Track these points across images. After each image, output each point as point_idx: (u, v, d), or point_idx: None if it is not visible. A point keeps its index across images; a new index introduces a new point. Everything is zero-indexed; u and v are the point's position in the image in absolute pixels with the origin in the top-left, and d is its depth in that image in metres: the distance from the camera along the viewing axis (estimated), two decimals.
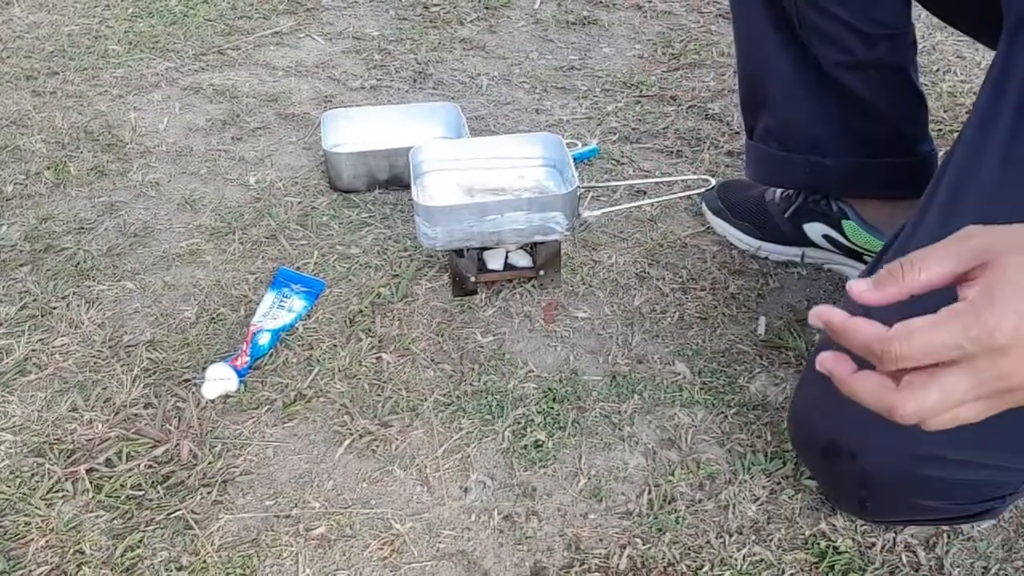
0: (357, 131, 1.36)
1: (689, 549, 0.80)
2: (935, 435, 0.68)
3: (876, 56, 0.95)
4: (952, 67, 1.65)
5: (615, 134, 1.45)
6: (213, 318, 1.07)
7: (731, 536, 0.81)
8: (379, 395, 0.96)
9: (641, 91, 1.58)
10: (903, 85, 1.00)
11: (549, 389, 0.96)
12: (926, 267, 0.48)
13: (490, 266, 1.09)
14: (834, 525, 0.82)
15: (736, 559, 0.79)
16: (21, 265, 1.16)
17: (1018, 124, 0.67)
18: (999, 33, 0.70)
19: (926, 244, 0.71)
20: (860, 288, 0.49)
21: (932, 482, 0.71)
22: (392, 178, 1.30)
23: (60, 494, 0.85)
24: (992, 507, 0.75)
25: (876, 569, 0.78)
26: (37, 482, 0.86)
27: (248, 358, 0.98)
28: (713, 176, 1.32)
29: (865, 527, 0.82)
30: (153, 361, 1.00)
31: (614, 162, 1.38)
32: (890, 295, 0.48)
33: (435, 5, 1.94)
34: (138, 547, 0.80)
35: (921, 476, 0.70)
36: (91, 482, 0.86)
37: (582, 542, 0.81)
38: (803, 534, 0.81)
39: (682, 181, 1.33)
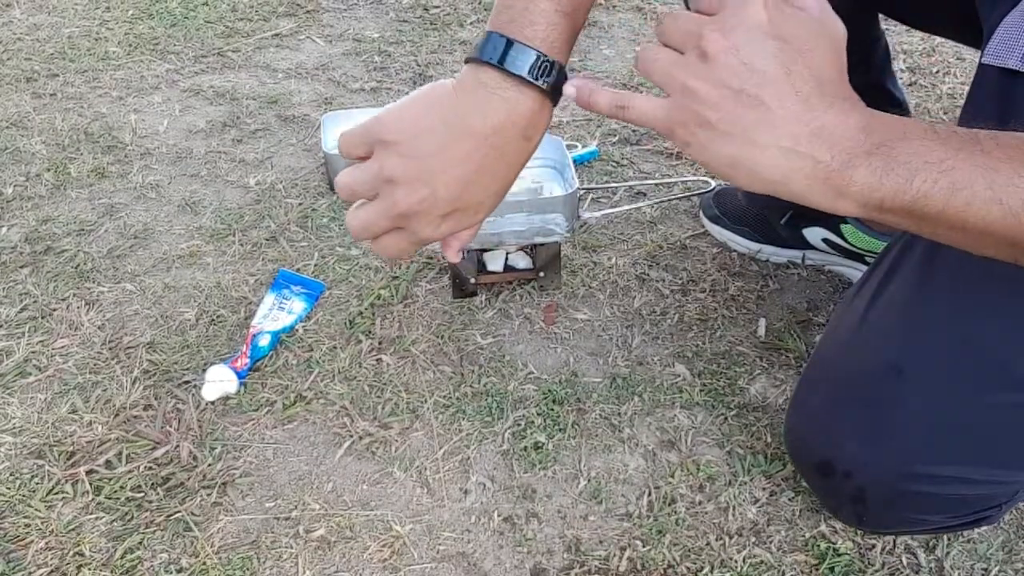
0: None
1: (689, 551, 0.80)
2: (926, 454, 0.69)
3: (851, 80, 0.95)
4: (952, 68, 1.66)
5: (615, 136, 1.45)
6: (213, 320, 1.07)
7: (731, 538, 0.81)
8: (379, 397, 0.96)
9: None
10: (882, 100, 0.99)
11: (549, 391, 0.96)
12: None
13: (490, 268, 1.09)
14: (834, 527, 0.82)
15: (736, 561, 0.79)
16: (21, 267, 1.16)
17: None
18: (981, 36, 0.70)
19: (926, 251, 0.71)
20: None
21: (926, 498, 0.71)
22: None
23: (60, 496, 0.85)
24: (989, 515, 0.75)
25: (876, 571, 0.78)
26: (37, 484, 0.86)
27: (248, 360, 0.98)
28: (712, 178, 1.32)
29: None
30: (153, 363, 1.00)
31: (614, 164, 1.38)
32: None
33: (435, 7, 1.94)
34: (138, 549, 0.80)
35: (915, 492, 0.70)
36: (91, 484, 0.86)
37: (582, 544, 0.81)
38: (803, 536, 0.81)
39: (682, 183, 1.33)
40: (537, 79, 0.60)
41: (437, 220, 0.61)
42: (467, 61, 0.61)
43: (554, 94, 0.62)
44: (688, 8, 0.56)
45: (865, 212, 0.53)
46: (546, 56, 0.60)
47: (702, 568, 0.79)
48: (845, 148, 0.51)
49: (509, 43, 0.59)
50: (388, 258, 0.64)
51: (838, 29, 0.53)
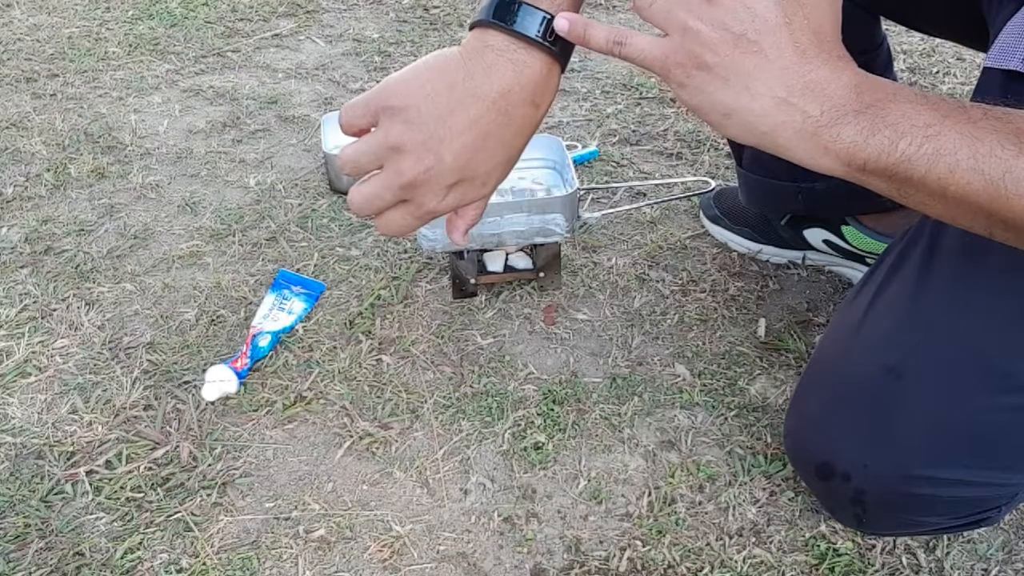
0: None
1: (689, 551, 0.80)
2: (925, 456, 0.69)
3: None
4: (952, 69, 1.66)
5: (615, 136, 1.45)
6: (213, 320, 1.07)
7: (731, 538, 0.81)
8: (379, 397, 0.96)
9: (641, 93, 1.58)
10: None
11: (549, 391, 0.96)
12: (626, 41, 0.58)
13: (490, 268, 1.09)
14: (834, 527, 0.82)
15: (736, 561, 0.79)
16: (21, 267, 1.16)
17: None
18: (985, 39, 0.70)
19: (925, 254, 0.71)
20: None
21: (926, 500, 0.71)
22: None
23: (60, 496, 0.85)
24: (988, 516, 0.75)
25: (876, 571, 0.78)
26: (37, 484, 0.86)
27: (248, 360, 0.98)
28: (713, 178, 1.32)
29: None
30: (153, 363, 1.00)
31: (614, 164, 1.38)
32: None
33: (435, 7, 1.94)
34: (138, 549, 0.80)
35: (914, 495, 0.70)
36: (91, 484, 0.86)
37: (582, 544, 0.81)
38: (803, 536, 0.81)
39: (682, 183, 1.33)
40: (545, 41, 0.58)
41: (443, 191, 0.60)
42: (473, 26, 0.59)
43: (563, 57, 0.60)
44: None
45: (847, 172, 0.53)
46: (554, 17, 0.58)
47: (702, 568, 0.79)
48: (835, 104, 0.51)
49: (517, 4, 0.58)
50: (391, 235, 0.63)
51: None
